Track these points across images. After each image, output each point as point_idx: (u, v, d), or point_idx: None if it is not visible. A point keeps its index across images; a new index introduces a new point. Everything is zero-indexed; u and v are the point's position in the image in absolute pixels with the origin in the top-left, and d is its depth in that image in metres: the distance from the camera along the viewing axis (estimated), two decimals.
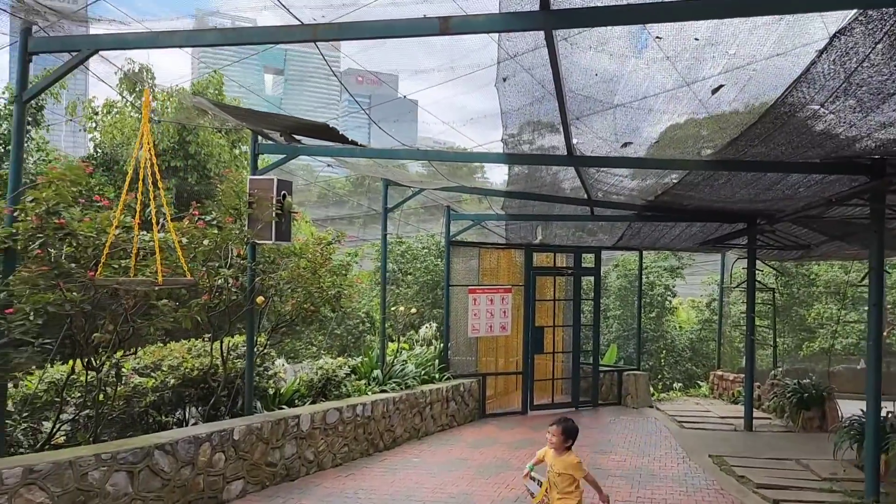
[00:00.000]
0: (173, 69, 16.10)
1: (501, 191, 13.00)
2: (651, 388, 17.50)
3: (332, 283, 9.75)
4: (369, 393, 10.99)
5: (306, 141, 9.59)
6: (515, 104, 7.46)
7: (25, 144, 13.20)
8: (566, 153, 8.45)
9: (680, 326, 27.19)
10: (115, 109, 15.76)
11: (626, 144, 8.14)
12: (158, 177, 5.85)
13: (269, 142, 9.49)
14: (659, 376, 24.28)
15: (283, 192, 8.70)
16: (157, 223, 5.92)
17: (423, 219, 22.50)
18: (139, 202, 5.95)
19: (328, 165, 11.36)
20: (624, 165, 9.09)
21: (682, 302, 29.87)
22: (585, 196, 11.76)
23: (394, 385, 11.52)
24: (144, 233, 6.63)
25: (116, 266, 6.71)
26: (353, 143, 9.25)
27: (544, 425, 5.95)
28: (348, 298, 10.34)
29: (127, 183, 5.85)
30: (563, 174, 10.75)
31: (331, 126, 8.68)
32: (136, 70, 14.09)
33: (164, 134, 14.34)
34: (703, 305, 26.80)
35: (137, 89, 14.66)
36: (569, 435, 5.46)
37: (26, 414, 7.26)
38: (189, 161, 14.80)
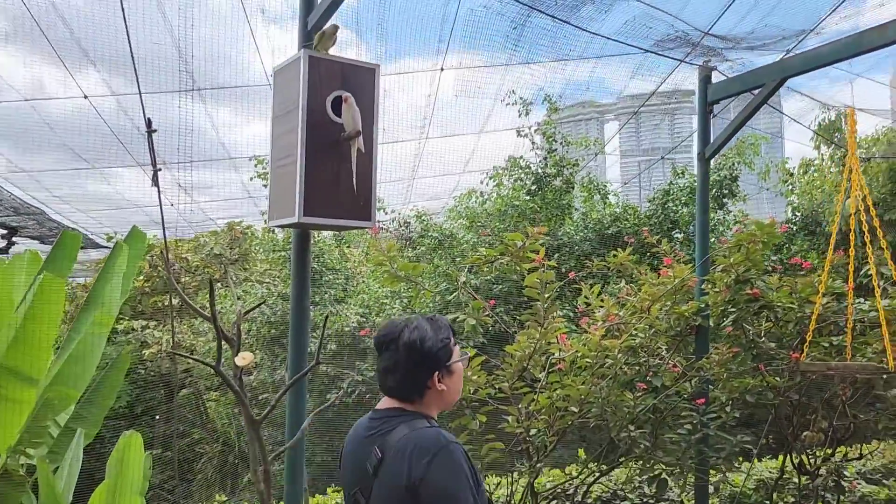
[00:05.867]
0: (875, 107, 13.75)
1: None
2: None
3: None
4: None
5: None
6: None
7: (721, 217, 13.02)
8: None
9: None
10: (813, 168, 14.33)
11: None
12: (877, 226, 4.27)
13: None
14: None
15: None
16: (879, 287, 4.31)
17: None
18: (851, 262, 4.47)
19: None
20: None
21: None
22: None
23: None
24: (861, 300, 5.06)
25: (827, 344, 5.31)
26: None
27: None
28: None
29: (832, 239, 4.47)
30: None
31: None
32: (833, 118, 12.50)
33: (872, 183, 12.20)
34: None
35: (836, 138, 12.94)
36: None
37: None
38: None
